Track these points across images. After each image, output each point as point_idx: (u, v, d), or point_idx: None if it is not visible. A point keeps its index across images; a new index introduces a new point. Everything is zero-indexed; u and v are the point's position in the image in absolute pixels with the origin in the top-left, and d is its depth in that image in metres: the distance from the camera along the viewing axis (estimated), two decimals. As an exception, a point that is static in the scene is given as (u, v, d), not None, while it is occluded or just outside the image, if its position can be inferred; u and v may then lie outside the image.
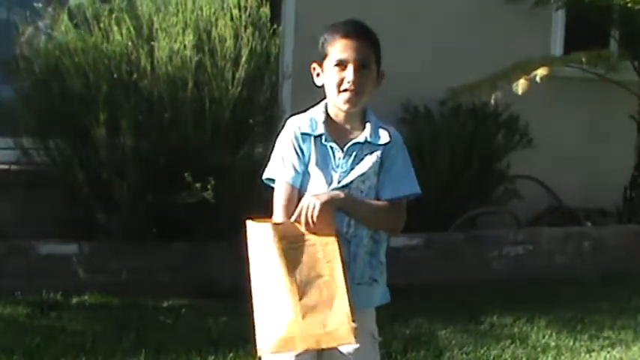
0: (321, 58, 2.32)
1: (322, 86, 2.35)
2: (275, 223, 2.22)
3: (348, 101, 2.28)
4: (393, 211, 2.33)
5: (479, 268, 5.68)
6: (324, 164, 2.28)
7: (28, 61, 4.79)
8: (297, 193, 2.29)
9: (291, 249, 2.16)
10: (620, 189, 6.78)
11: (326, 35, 2.31)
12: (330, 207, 2.19)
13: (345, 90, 2.27)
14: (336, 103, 2.31)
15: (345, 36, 2.27)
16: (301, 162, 2.29)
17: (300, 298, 2.12)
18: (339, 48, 2.27)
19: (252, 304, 2.19)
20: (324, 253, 2.16)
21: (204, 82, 4.62)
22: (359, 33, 2.29)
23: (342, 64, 2.26)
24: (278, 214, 2.29)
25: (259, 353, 2.18)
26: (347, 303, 2.10)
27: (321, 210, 2.16)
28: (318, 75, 2.35)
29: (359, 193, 2.28)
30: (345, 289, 2.12)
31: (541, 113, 6.67)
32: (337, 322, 2.10)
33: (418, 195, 2.37)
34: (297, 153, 2.29)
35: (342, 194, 2.24)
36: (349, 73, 2.25)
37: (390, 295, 2.41)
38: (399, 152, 2.35)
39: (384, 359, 2.53)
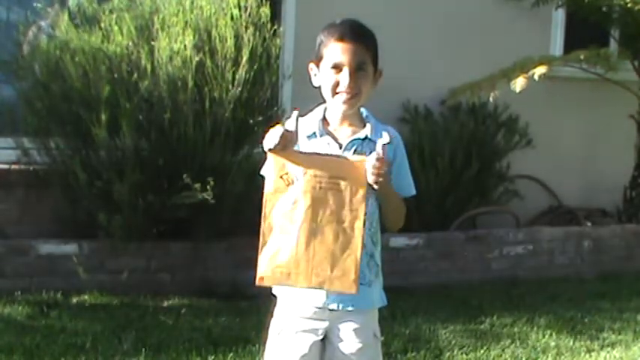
0: (318, 59, 2.31)
1: (319, 87, 2.34)
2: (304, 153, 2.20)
3: (345, 103, 2.28)
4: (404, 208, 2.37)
5: (479, 268, 5.68)
6: None
7: (29, 61, 4.79)
8: None
9: (321, 188, 2.17)
10: (620, 189, 6.78)
11: (322, 36, 2.30)
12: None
13: (341, 92, 2.26)
14: (333, 105, 2.31)
15: (341, 39, 2.25)
16: None
17: (315, 237, 2.15)
18: (334, 51, 2.25)
19: (256, 248, 2.17)
20: (352, 201, 2.17)
21: (205, 82, 4.62)
22: (355, 35, 2.27)
23: (337, 67, 2.25)
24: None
25: (257, 283, 2.18)
26: (359, 254, 2.15)
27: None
28: (315, 75, 2.34)
29: None
30: (360, 242, 2.16)
31: (541, 113, 6.68)
32: (345, 269, 2.15)
33: (414, 195, 2.41)
34: None
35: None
36: (344, 77, 2.25)
37: (389, 297, 2.42)
38: (403, 153, 2.37)
39: (384, 359, 2.55)
